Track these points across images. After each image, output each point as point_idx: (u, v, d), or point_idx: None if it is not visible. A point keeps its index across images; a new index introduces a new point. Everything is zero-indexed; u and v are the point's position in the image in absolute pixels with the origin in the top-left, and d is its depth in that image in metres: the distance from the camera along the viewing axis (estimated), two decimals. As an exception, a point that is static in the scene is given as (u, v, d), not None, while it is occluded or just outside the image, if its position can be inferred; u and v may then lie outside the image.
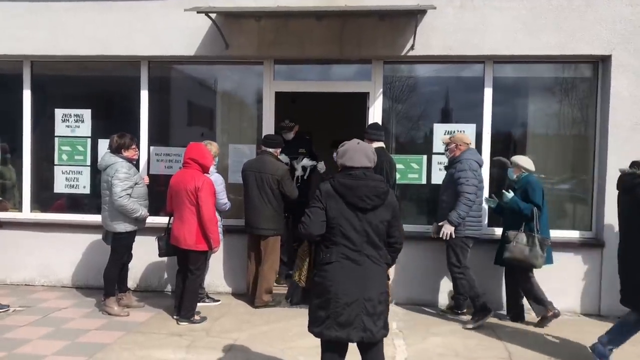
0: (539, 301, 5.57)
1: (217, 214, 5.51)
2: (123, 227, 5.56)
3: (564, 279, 6.08)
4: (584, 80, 6.39)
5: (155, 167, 6.84)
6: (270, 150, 6.05)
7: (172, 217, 5.59)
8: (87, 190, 6.96)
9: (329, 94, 6.67)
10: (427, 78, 6.61)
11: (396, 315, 5.77)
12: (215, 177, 5.71)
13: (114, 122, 7.01)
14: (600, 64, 6.19)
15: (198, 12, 5.63)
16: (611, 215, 5.91)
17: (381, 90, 6.43)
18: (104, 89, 7.16)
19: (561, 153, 6.47)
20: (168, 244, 5.57)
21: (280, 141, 6.20)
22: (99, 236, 6.15)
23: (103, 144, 6.80)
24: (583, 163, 6.40)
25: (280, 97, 6.64)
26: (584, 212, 6.38)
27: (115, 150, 5.55)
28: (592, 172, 6.27)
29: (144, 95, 6.80)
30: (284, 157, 6.48)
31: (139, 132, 6.70)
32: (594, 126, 6.26)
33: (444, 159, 6.19)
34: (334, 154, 6.54)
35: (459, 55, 6.17)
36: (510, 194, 5.54)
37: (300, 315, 5.76)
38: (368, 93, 6.47)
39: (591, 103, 6.29)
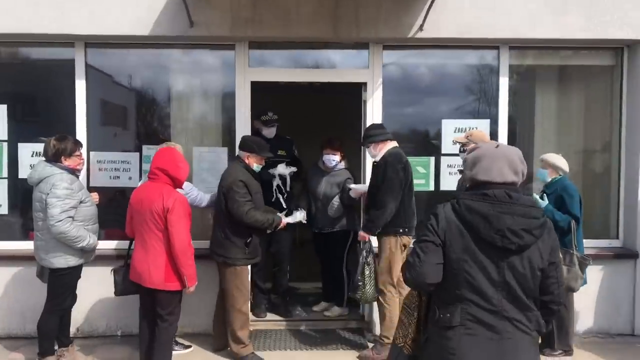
0: (565, 335, 4.71)
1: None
2: (64, 261, 4.14)
3: (590, 295, 5.33)
4: (607, 69, 5.64)
5: (98, 179, 5.37)
6: (239, 153, 4.72)
7: (132, 242, 4.28)
8: (5, 210, 5.36)
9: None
10: (433, 66, 5.59)
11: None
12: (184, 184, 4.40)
13: (40, 122, 5.51)
14: (625, 50, 5.47)
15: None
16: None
17: (381, 79, 5.36)
18: (25, 79, 5.53)
19: (582, 151, 5.69)
20: (127, 280, 4.21)
21: (253, 144, 4.67)
22: (23, 269, 4.77)
23: (24, 150, 5.36)
24: (606, 162, 5.68)
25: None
26: (609, 219, 5.64)
27: (53, 157, 4.11)
28: (618, 172, 5.55)
29: (80, 86, 5.32)
30: (281, 168, 5.32)
31: (74, 133, 5.21)
32: (619, 120, 5.53)
33: (455, 161, 5.29)
34: (327, 156, 5.55)
35: (472, 39, 5.20)
36: (544, 202, 4.64)
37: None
38: (365, 83, 5.39)
39: (615, 95, 5.56)
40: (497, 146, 2.38)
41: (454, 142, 5.21)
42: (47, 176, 4.05)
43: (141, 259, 4.01)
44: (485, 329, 2.22)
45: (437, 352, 2.31)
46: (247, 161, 4.61)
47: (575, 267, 4.48)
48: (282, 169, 5.38)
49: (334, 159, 5.42)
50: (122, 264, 4.36)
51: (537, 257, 2.23)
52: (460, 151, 4.93)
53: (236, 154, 4.86)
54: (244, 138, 4.83)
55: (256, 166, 4.65)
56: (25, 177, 5.10)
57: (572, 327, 4.74)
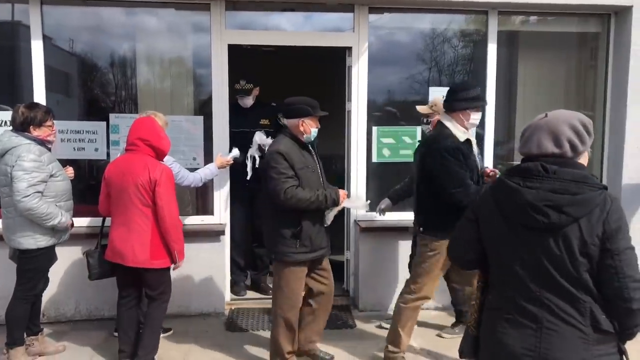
0: None
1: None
2: (33, 241, 3.72)
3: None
4: (592, 37, 5.55)
5: (62, 150, 4.88)
6: (287, 122, 3.74)
7: (105, 220, 3.96)
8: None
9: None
10: (421, 31, 5.31)
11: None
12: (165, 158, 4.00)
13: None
14: (613, 17, 5.38)
15: None
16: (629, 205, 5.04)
17: (366, 44, 5.08)
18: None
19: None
20: (103, 262, 3.84)
21: (305, 105, 3.66)
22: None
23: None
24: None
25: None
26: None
27: (20, 127, 3.66)
28: (602, 146, 5.48)
29: (37, 48, 4.79)
30: (259, 136, 4.90)
31: (31, 100, 4.69)
32: (604, 89, 5.46)
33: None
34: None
35: (461, 2, 4.98)
36: None
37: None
38: (350, 48, 5.10)
39: (600, 64, 5.49)
40: (546, 115, 2.13)
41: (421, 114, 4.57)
42: (12, 147, 3.59)
43: (123, 238, 3.65)
44: (522, 315, 2.01)
45: (485, 334, 2.18)
46: (301, 128, 3.63)
47: None
48: (260, 137, 4.96)
49: None
50: (95, 245, 3.97)
51: (576, 238, 1.90)
52: (422, 122, 4.53)
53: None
54: (288, 102, 3.75)
55: (313, 132, 3.68)
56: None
57: None
